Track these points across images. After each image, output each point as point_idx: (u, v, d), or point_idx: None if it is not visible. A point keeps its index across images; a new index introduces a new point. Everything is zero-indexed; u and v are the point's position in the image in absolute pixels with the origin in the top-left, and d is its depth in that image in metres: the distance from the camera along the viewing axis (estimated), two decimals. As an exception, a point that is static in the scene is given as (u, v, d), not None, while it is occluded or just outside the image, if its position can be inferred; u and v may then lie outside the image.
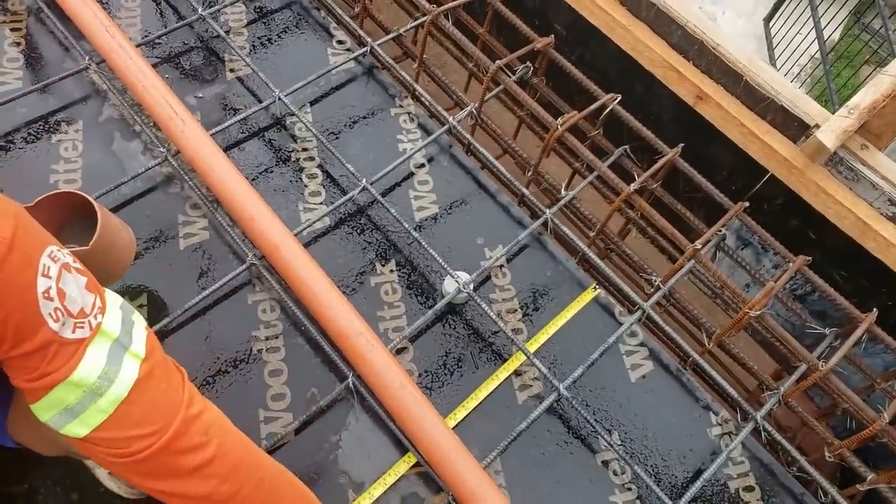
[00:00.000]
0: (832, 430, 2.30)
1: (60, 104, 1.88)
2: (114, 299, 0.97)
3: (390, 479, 1.50)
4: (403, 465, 1.53)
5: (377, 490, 1.49)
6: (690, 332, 2.16)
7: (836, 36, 5.50)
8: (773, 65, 5.31)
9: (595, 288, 1.86)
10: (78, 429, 0.88)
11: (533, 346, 1.73)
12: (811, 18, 4.78)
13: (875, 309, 1.70)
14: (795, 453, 1.64)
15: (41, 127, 1.83)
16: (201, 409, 0.97)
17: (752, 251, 2.15)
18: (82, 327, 0.86)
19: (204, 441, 0.95)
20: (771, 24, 5.54)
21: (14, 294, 0.78)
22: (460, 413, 1.61)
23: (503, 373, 1.69)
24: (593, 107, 1.90)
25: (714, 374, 1.73)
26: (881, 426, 1.55)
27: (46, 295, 0.81)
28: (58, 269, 0.83)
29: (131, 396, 0.89)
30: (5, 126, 1.81)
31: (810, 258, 1.75)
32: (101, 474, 1.36)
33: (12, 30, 1.99)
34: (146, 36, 2.05)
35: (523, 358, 1.70)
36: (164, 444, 0.89)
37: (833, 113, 1.75)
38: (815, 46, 4.84)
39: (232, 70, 2.05)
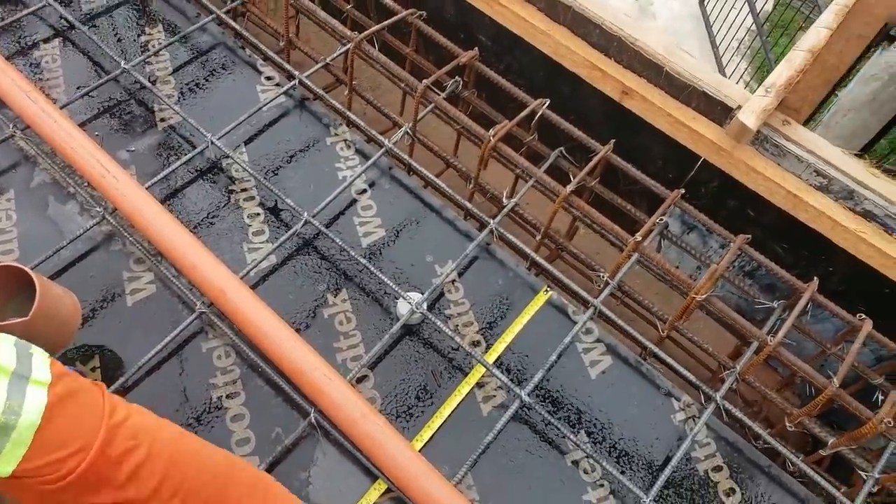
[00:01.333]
0: (798, 397, 2.36)
1: (-11, 175, 1.86)
2: (5, 338, 0.96)
3: (362, 509, 1.51)
4: (374, 492, 1.53)
5: (351, 522, 1.49)
6: (647, 321, 2.19)
7: (770, 6, 5.62)
8: (713, 42, 5.41)
9: (547, 290, 1.89)
10: (3, 467, 0.86)
11: (492, 357, 1.75)
12: (743, -7, 4.88)
13: (816, 278, 1.75)
14: (757, 428, 1.68)
15: (-28, 200, 1.81)
16: (126, 415, 0.96)
17: (699, 234, 2.20)
18: None
19: (133, 444, 0.94)
20: (706, 2, 5.64)
21: None
22: (426, 433, 1.62)
23: (465, 387, 1.70)
24: (523, 114, 1.94)
25: (671, 361, 1.76)
26: (832, 392, 1.59)
27: None
28: None
29: (45, 422, 0.88)
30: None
31: (750, 236, 1.79)
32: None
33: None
34: (70, 95, 2.03)
35: (483, 370, 1.71)
36: (94, 457, 0.89)
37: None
38: (751, 19, 4.95)
39: (162, 119, 2.04)
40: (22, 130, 1.88)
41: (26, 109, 1.80)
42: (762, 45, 4.90)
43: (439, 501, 1.45)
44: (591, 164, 1.87)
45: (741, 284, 1.99)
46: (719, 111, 1.85)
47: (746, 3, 4.91)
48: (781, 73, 1.77)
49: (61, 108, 1.90)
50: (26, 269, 1.38)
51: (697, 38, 5.61)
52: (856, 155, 1.80)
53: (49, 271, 1.71)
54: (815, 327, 2.06)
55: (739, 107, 1.81)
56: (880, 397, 1.79)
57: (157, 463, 0.97)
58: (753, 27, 5.11)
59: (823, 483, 1.63)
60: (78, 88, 2.06)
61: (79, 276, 1.74)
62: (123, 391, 1.59)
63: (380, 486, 1.54)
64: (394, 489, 1.52)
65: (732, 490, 1.68)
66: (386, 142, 1.99)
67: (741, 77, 5.17)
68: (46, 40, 2.15)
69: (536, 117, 1.98)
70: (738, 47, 5.41)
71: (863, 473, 1.66)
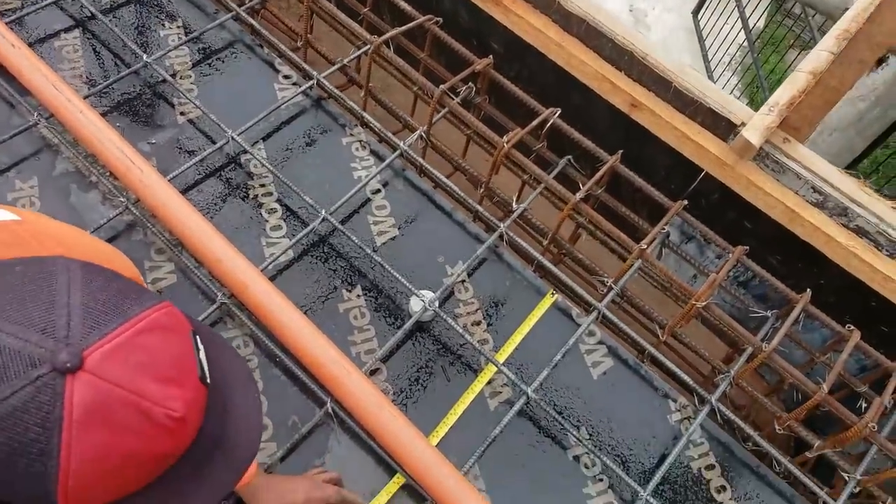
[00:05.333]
0: (783, 403, 2.47)
1: (12, 161, 1.89)
2: None
3: (382, 499, 1.57)
4: (394, 486, 1.60)
5: (365, 508, 1.56)
6: (646, 326, 2.28)
7: (762, 24, 5.77)
8: (705, 56, 5.54)
9: (553, 293, 1.97)
10: None
11: (502, 357, 1.82)
12: (736, 9, 5.02)
13: (808, 290, 1.84)
14: (749, 430, 1.77)
15: (-4, 186, 1.84)
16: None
17: (696, 244, 2.30)
18: None
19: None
20: (699, 16, 5.77)
21: None
22: (442, 430, 1.68)
23: (478, 385, 1.77)
24: (536, 122, 2.01)
25: (669, 364, 1.85)
26: (821, 396, 1.69)
27: None
28: None
29: None
30: (-42, 188, 1.82)
31: (748, 247, 1.88)
32: None
33: (-45, 90, 1.98)
34: (92, 86, 2.06)
35: (494, 369, 1.78)
36: None
37: (761, 101, 1.88)
38: (743, 35, 5.09)
39: (182, 113, 2.09)
40: (46, 119, 1.91)
41: (52, 99, 1.84)
42: (753, 62, 5.03)
43: (449, 490, 1.52)
44: (600, 173, 1.95)
45: (736, 293, 2.08)
46: (724, 127, 1.94)
47: (739, 20, 5.05)
48: (784, 94, 1.86)
49: (84, 98, 1.93)
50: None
51: (690, 52, 5.75)
52: (849, 174, 1.90)
53: (72, 258, 1.75)
54: (805, 336, 2.16)
55: (743, 124, 1.90)
56: (863, 405, 1.90)
57: None
58: (745, 43, 5.24)
59: (808, 483, 1.73)
60: (92, 87, 2.09)
61: (100, 263, 1.78)
62: (144, 377, 1.63)
63: (399, 480, 1.60)
64: (406, 477, 1.59)
65: (724, 487, 1.77)
66: (401, 144, 2.06)
67: (731, 92, 5.31)
68: (67, 30, 2.18)
69: (547, 126, 2.05)
70: (729, 62, 5.54)
71: (845, 475, 1.76)
